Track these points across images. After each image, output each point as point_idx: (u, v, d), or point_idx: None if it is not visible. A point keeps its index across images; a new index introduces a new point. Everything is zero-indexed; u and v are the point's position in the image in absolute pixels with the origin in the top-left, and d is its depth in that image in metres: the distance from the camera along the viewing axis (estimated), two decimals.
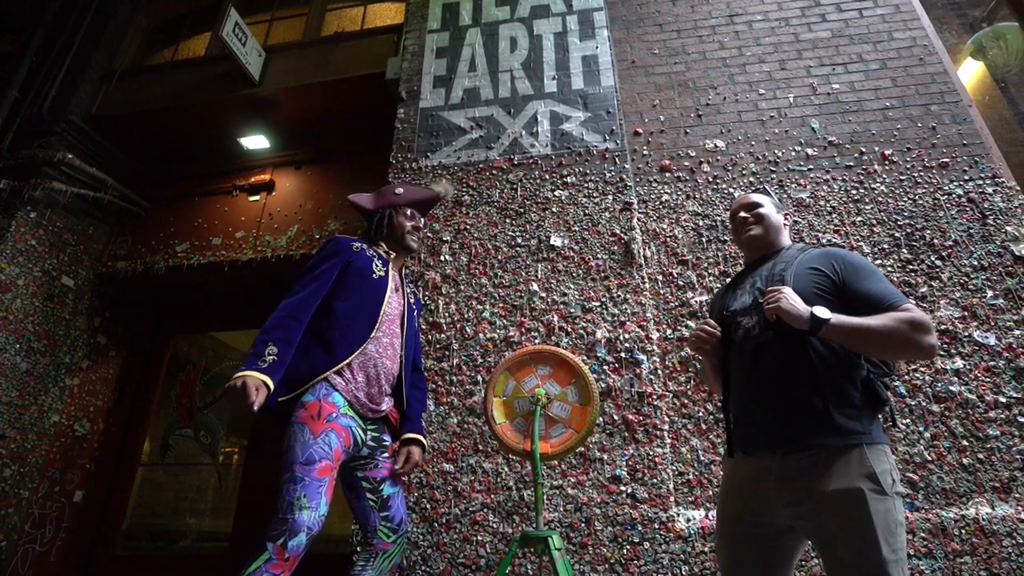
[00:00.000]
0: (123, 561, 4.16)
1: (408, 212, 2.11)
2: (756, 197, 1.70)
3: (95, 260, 4.52)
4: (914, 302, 1.35)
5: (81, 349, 4.34)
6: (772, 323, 1.36)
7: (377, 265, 1.96)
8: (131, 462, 4.51)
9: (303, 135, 4.62)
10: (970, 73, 4.50)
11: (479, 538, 2.44)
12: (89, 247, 4.48)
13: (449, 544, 2.44)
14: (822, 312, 1.26)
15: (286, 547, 1.45)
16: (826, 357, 1.30)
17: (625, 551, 2.33)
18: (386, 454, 1.89)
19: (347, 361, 1.77)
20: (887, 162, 3.04)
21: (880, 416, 1.32)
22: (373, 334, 1.84)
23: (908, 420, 2.42)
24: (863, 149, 3.10)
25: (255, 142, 4.65)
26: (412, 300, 2.10)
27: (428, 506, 2.53)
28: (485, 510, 2.49)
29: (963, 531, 2.15)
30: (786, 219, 1.68)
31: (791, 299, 1.31)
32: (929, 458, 2.33)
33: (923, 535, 2.18)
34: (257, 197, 4.71)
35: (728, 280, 1.85)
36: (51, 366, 4.06)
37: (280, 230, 4.50)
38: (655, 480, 2.43)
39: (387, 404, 1.92)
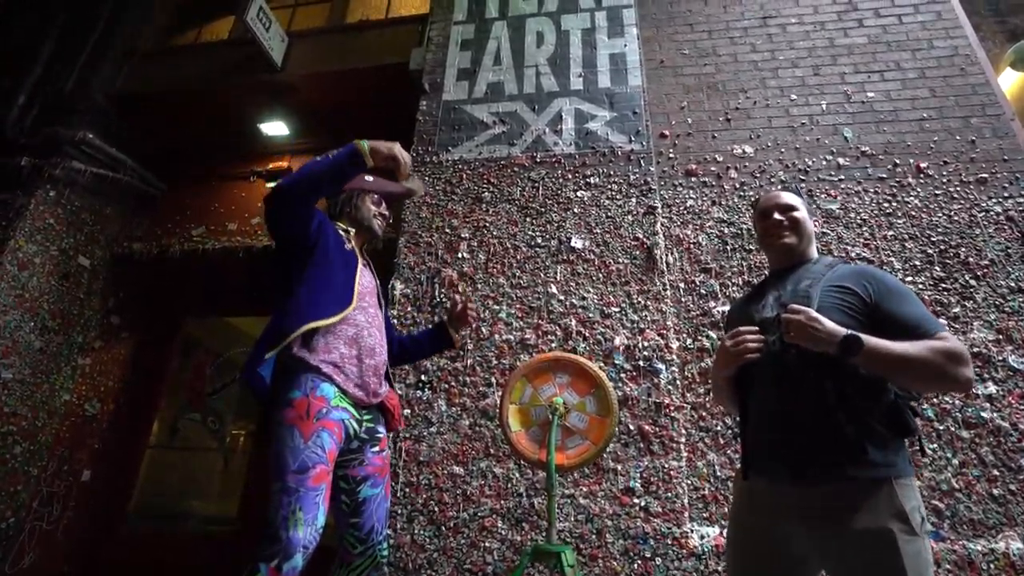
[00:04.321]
0: (129, 541, 4.18)
1: (375, 198, 1.94)
2: (790, 198, 1.51)
3: (111, 240, 4.53)
4: (948, 330, 1.22)
5: (94, 329, 4.35)
6: (793, 343, 1.25)
7: (345, 240, 1.81)
8: (139, 444, 4.54)
9: (322, 123, 4.57)
10: (1008, 83, 4.35)
11: (487, 544, 2.39)
12: (106, 227, 4.48)
13: (456, 549, 2.40)
14: (856, 336, 1.15)
15: (280, 570, 1.29)
16: (852, 381, 1.20)
17: (636, 566, 2.27)
18: (376, 448, 1.66)
19: (337, 318, 1.57)
20: (922, 175, 2.93)
21: (907, 446, 1.21)
22: (355, 303, 1.65)
23: (935, 445, 2.33)
24: (897, 160, 3.00)
25: (274, 128, 4.62)
26: (378, 283, 1.95)
27: (436, 508, 2.49)
28: (494, 516, 2.44)
29: (992, 565, 2.07)
30: (815, 224, 1.58)
31: (816, 325, 1.18)
32: (957, 486, 2.25)
33: (948, 567, 2.10)
34: (275, 184, 4.67)
35: (749, 288, 1.76)
36: (64, 345, 4.07)
37: None
38: (669, 494, 2.37)
39: (385, 388, 1.74)
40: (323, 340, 1.56)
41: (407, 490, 2.54)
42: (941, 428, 2.35)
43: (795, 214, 1.47)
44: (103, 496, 4.29)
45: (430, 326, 2.09)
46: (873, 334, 1.18)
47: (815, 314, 1.19)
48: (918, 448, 1.23)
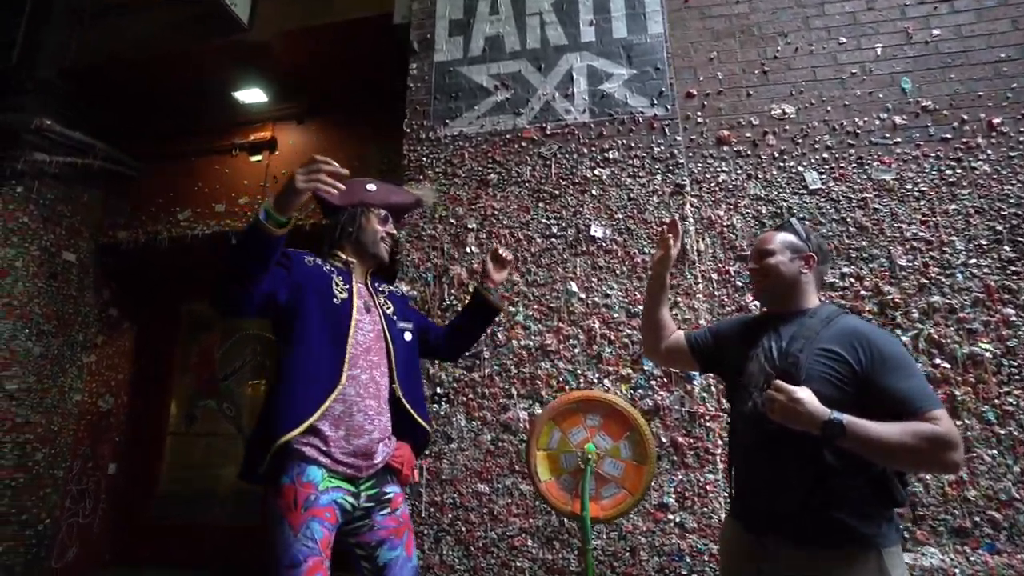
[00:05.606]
0: (162, 523, 4.28)
1: (382, 214, 1.73)
2: (771, 242, 1.46)
3: (94, 230, 4.26)
4: (943, 407, 1.17)
5: (93, 325, 4.21)
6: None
7: (337, 284, 1.60)
8: (159, 431, 4.53)
9: (303, 86, 4.11)
10: None
11: (518, 564, 2.34)
12: (86, 217, 4.20)
13: (487, 569, 2.35)
14: (839, 422, 1.12)
15: None
16: (838, 453, 1.18)
17: None
18: (385, 511, 1.55)
19: (314, 418, 1.44)
20: (994, 133, 2.55)
21: (896, 515, 1.23)
22: (346, 373, 1.51)
23: (995, 451, 2.17)
24: (964, 116, 2.60)
25: (251, 95, 4.16)
26: (391, 311, 1.73)
27: (463, 528, 2.42)
28: (523, 535, 2.37)
29: None
30: (809, 265, 1.42)
31: (798, 408, 1.15)
32: (1017, 496, 2.11)
33: None
34: (259, 157, 4.31)
35: (748, 318, 1.58)
36: (65, 346, 3.95)
37: None
38: (706, 509, 2.27)
39: (383, 453, 1.58)
40: None
41: (431, 510, 2.46)
42: (1003, 433, 2.18)
43: (769, 260, 1.43)
44: (132, 485, 4.36)
45: (464, 303, 1.92)
46: (862, 405, 1.17)
47: (798, 394, 1.16)
48: (902, 518, 1.32)
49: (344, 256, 1.68)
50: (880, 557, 1.15)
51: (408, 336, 1.73)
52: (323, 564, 1.39)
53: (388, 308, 1.71)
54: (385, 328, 1.65)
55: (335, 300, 1.56)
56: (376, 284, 1.75)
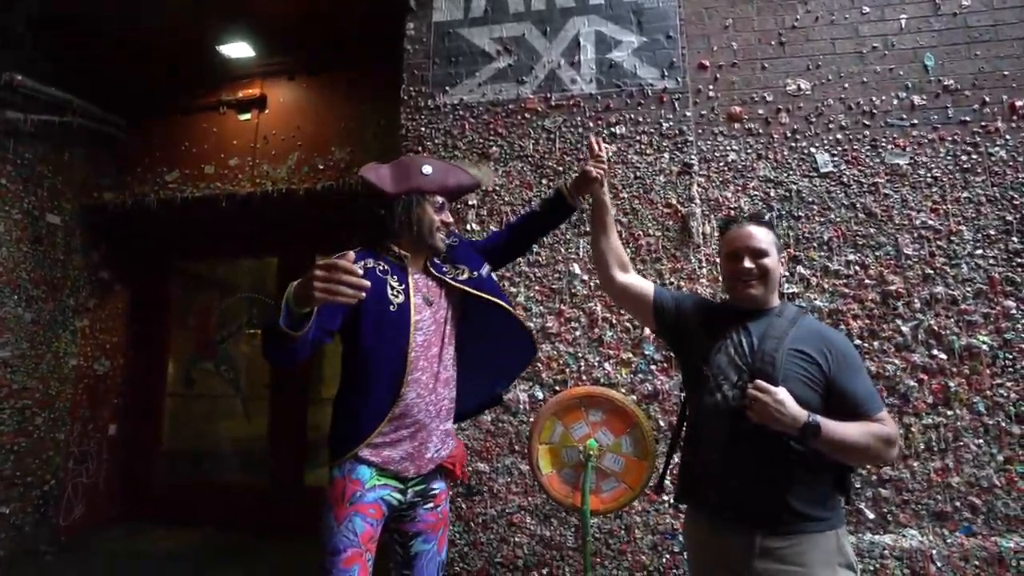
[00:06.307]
0: (166, 485, 4.38)
1: (438, 202, 1.62)
2: (763, 240, 1.41)
3: (79, 190, 4.10)
4: (885, 408, 1.32)
5: (84, 288, 4.14)
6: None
7: (392, 287, 1.54)
8: (157, 392, 4.56)
9: (293, 39, 3.86)
10: None
11: (516, 539, 2.43)
12: (69, 177, 4.03)
13: (486, 544, 2.45)
14: (816, 424, 1.20)
15: None
16: (811, 453, 1.26)
17: (664, 560, 2.32)
18: (429, 505, 1.59)
19: (378, 429, 1.49)
20: (1015, 117, 2.46)
21: (842, 500, 1.35)
22: (408, 377, 1.50)
23: (981, 440, 2.23)
24: (986, 97, 2.50)
25: (237, 49, 3.91)
26: (465, 276, 1.64)
27: (463, 505, 2.49)
28: (522, 512, 2.45)
29: (1022, 562, 2.09)
30: (782, 265, 1.47)
31: (781, 409, 1.20)
32: (997, 483, 2.19)
33: (976, 563, 2.12)
34: (248, 115, 4.12)
35: (709, 303, 1.58)
36: (57, 311, 3.89)
37: (278, 157, 4.00)
38: None
39: (437, 453, 1.57)
40: None
41: None
42: (991, 424, 2.24)
43: (766, 261, 1.40)
44: (133, 445, 4.42)
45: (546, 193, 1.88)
46: (826, 406, 1.27)
47: (781, 396, 1.21)
48: (846, 502, 1.37)
49: (398, 250, 1.59)
50: (837, 536, 1.27)
51: (486, 271, 1.71)
52: (362, 556, 1.44)
53: (462, 275, 1.64)
54: (450, 311, 1.62)
55: (391, 307, 1.51)
56: (438, 263, 1.65)
